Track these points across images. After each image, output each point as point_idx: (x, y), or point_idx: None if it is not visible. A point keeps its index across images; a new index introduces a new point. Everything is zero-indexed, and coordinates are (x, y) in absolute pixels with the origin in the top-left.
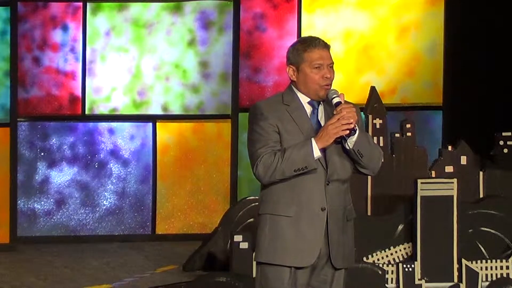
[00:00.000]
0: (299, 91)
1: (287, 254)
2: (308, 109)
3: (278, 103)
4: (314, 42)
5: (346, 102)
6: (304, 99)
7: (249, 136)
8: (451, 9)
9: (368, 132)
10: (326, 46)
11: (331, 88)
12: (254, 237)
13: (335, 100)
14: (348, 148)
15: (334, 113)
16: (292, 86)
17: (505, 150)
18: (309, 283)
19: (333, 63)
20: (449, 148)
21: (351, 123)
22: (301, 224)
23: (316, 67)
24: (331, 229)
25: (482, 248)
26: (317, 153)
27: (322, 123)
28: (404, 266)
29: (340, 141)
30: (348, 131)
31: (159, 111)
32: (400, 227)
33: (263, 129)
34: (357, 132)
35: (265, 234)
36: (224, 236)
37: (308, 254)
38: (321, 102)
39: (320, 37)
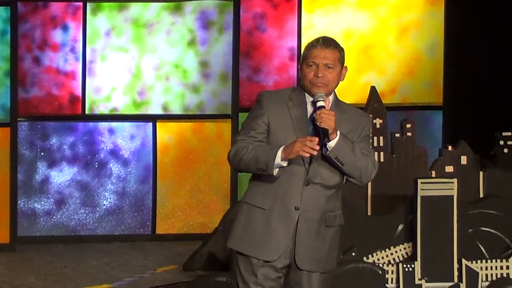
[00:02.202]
0: (303, 89)
1: (254, 245)
2: (310, 108)
3: (282, 96)
4: (315, 42)
5: (351, 112)
6: (308, 99)
7: (244, 122)
8: (451, 9)
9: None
10: (328, 46)
11: (322, 91)
12: None
13: (318, 104)
14: (325, 154)
15: (314, 115)
16: (302, 84)
17: (505, 150)
18: (288, 283)
19: (332, 64)
20: (449, 148)
21: (314, 150)
22: (273, 218)
23: (310, 65)
24: (300, 229)
25: (482, 248)
26: (278, 161)
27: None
28: (404, 266)
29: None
30: (307, 154)
31: (159, 111)
32: (400, 227)
33: (254, 117)
34: (337, 139)
35: (240, 222)
36: (224, 236)
37: (273, 249)
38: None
39: (329, 38)
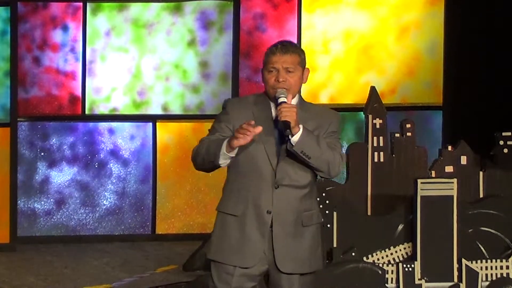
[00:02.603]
0: (267, 95)
1: (230, 253)
2: (274, 112)
3: (247, 102)
4: (274, 48)
5: (315, 109)
6: (273, 103)
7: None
8: (451, 9)
9: (368, 132)
10: (288, 52)
11: (283, 89)
12: None
13: (279, 100)
14: (290, 149)
15: (276, 112)
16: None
17: (505, 150)
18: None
19: (292, 67)
20: (449, 148)
21: (248, 135)
22: (246, 224)
23: (271, 71)
24: (276, 233)
25: (482, 248)
26: (223, 151)
27: None
28: (404, 266)
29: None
30: (242, 138)
31: (159, 111)
32: (400, 227)
33: (219, 122)
34: (300, 132)
35: (215, 231)
36: None
37: (249, 255)
38: None
39: (289, 42)
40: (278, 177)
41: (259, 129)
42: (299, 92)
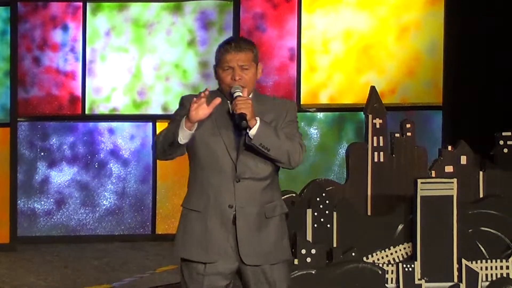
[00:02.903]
0: (222, 92)
1: (194, 249)
2: (231, 107)
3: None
4: (227, 46)
5: (269, 100)
6: (228, 99)
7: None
8: (451, 9)
9: (368, 132)
10: (242, 49)
11: (237, 85)
12: None
13: (235, 94)
14: (248, 142)
15: (231, 106)
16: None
17: (505, 150)
18: (243, 284)
19: (247, 65)
20: (449, 148)
21: (200, 101)
22: (208, 220)
23: (226, 69)
24: (240, 226)
25: (482, 248)
26: (182, 127)
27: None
28: (404, 266)
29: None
30: (197, 112)
31: (159, 111)
32: (400, 227)
33: (176, 116)
34: (257, 125)
35: (179, 227)
36: None
37: (213, 250)
38: None
39: (241, 39)
40: (239, 171)
41: (218, 100)
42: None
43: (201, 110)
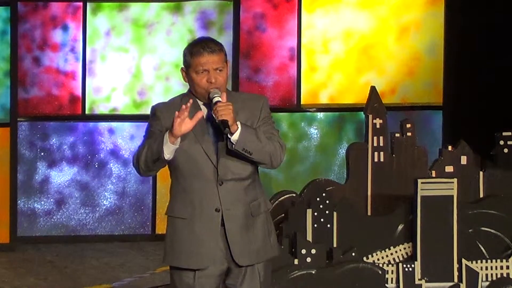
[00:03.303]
0: (195, 95)
1: (184, 256)
2: (205, 111)
3: (175, 105)
4: (200, 49)
5: (242, 97)
6: (200, 102)
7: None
8: (451, 9)
9: (368, 132)
10: (215, 51)
11: (215, 89)
12: None
13: (214, 100)
14: (231, 148)
15: (212, 112)
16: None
17: (505, 150)
18: (229, 284)
19: (221, 66)
20: (449, 148)
21: (184, 113)
22: (196, 226)
23: (201, 72)
24: (229, 229)
25: (482, 248)
26: (167, 143)
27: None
28: (404, 266)
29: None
30: (182, 126)
31: None
32: (400, 227)
33: (152, 129)
34: (239, 130)
35: (167, 236)
36: None
37: (203, 256)
38: None
39: (211, 41)
40: (221, 174)
41: (200, 113)
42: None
43: (184, 125)
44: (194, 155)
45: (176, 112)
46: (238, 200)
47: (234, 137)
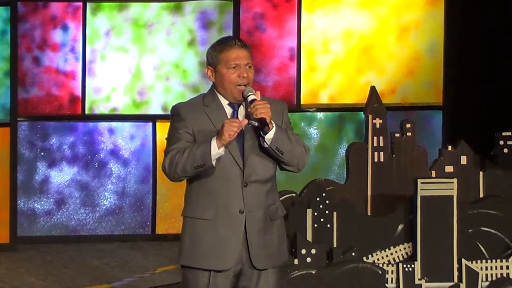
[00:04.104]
0: (219, 92)
1: (205, 257)
2: (228, 110)
3: (198, 105)
4: (230, 43)
5: (266, 100)
6: (224, 101)
7: (167, 137)
8: (451, 9)
9: (368, 132)
10: (244, 46)
11: (248, 87)
12: None
13: (250, 98)
14: (266, 146)
15: (248, 110)
16: (213, 88)
17: (505, 150)
18: (241, 286)
19: (251, 63)
20: (449, 148)
21: (239, 125)
22: (220, 227)
23: (233, 67)
24: (250, 231)
25: (482, 248)
26: (215, 150)
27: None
28: (404, 266)
29: (258, 139)
30: (234, 131)
31: (159, 111)
32: (400, 227)
33: (178, 130)
34: (274, 128)
35: (185, 237)
36: None
37: (227, 257)
38: (242, 104)
39: (239, 38)
40: (246, 175)
41: (244, 121)
42: None
43: (233, 134)
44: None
45: (226, 120)
46: (259, 202)
47: (269, 136)
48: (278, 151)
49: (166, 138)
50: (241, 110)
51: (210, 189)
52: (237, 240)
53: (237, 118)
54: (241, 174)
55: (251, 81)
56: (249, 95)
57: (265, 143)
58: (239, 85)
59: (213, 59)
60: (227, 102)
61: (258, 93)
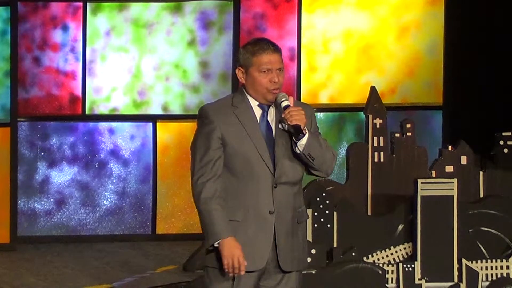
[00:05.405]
0: (248, 94)
1: None
2: (258, 112)
3: (226, 106)
4: (263, 46)
5: (296, 105)
6: (253, 102)
7: (194, 138)
8: (451, 9)
9: (368, 132)
10: (277, 51)
11: (280, 92)
12: None
13: (283, 104)
14: (298, 151)
15: (282, 116)
16: (243, 89)
17: (505, 150)
18: (257, 286)
19: (282, 67)
20: (449, 148)
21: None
22: (250, 228)
23: (264, 71)
24: (279, 232)
25: (482, 248)
26: (210, 242)
27: (273, 126)
28: (404, 266)
29: (290, 143)
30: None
31: (159, 111)
32: (400, 227)
33: (206, 134)
34: (307, 135)
35: None
36: None
37: (257, 258)
38: (271, 105)
39: (271, 41)
40: (276, 176)
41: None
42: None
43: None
44: (250, 157)
45: (236, 265)
46: (288, 204)
47: (302, 142)
48: (309, 157)
49: (194, 140)
50: (271, 112)
51: (239, 190)
52: (267, 241)
53: (267, 119)
54: (271, 176)
55: (281, 85)
56: (282, 101)
57: (297, 148)
58: (272, 90)
59: (245, 61)
60: (257, 103)
61: (292, 98)
